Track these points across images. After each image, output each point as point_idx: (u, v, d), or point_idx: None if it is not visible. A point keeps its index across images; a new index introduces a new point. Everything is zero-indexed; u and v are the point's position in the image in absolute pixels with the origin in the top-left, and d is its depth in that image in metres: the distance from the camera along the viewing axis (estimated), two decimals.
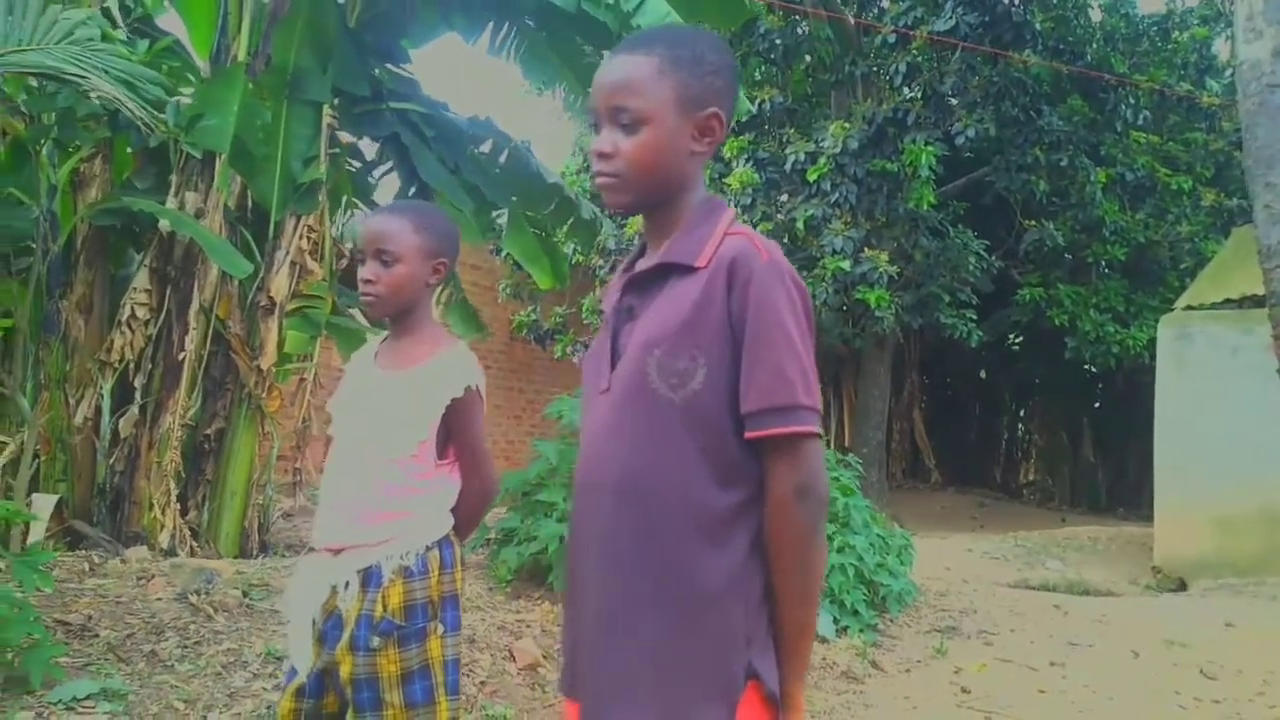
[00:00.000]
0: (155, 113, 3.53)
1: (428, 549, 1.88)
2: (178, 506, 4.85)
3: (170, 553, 4.55)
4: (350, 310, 5.70)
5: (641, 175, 1.39)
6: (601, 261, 9.30)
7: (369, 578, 1.85)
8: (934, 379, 15.75)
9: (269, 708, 2.79)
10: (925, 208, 8.71)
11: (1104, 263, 10.43)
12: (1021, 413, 16.93)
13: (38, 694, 2.56)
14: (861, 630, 4.23)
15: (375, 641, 1.82)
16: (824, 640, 4.10)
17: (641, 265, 1.43)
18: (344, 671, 1.84)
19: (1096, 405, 15.22)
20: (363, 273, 1.93)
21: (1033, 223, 9.95)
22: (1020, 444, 17.01)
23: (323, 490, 1.97)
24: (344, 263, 5.82)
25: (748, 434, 1.29)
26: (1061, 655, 4.20)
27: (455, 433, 1.95)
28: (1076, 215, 9.89)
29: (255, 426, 5.19)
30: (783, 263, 1.34)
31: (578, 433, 4.62)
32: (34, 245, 4.41)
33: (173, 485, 4.81)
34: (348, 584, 1.87)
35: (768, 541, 1.30)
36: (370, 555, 1.86)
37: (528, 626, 3.81)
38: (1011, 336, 13.92)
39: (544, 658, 3.57)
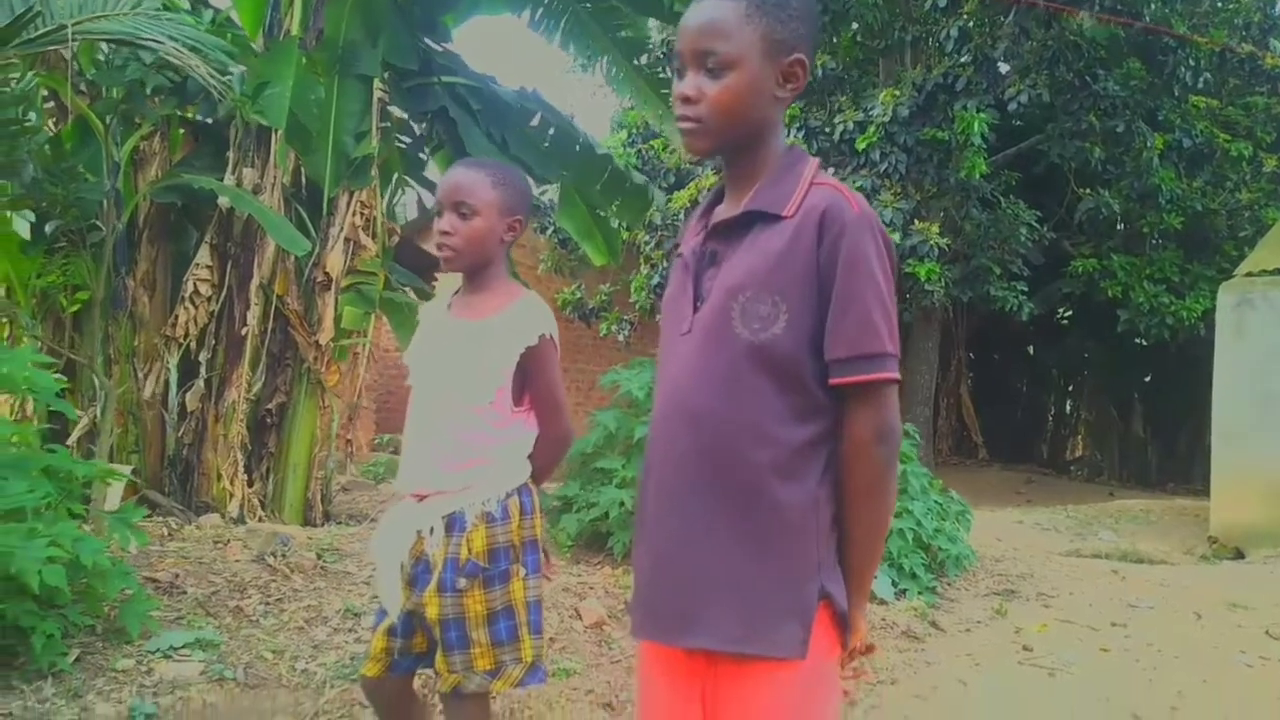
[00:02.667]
0: (223, 80, 3.61)
1: (508, 495, 1.94)
2: (245, 477, 4.98)
3: (239, 521, 4.67)
4: (403, 287, 5.79)
5: (724, 120, 1.42)
6: (648, 237, 9.28)
7: (453, 523, 1.91)
8: (981, 355, 15.60)
9: (352, 658, 2.88)
10: (977, 177, 8.55)
11: (1159, 232, 10.20)
12: (1070, 388, 16.70)
13: (136, 644, 2.67)
14: (920, 593, 4.24)
15: (461, 583, 1.89)
16: (883, 602, 4.11)
17: (725, 212, 1.46)
18: (431, 613, 1.90)
19: (1147, 379, 14.96)
20: (439, 224, 1.97)
21: (1087, 191, 9.74)
22: (1068, 420, 16.80)
23: (405, 439, 2.03)
24: (396, 239, 5.89)
25: (833, 380, 1.35)
26: (1122, 617, 4.16)
27: (531, 380, 1.99)
28: (1132, 183, 9.63)
29: (315, 400, 5.28)
30: (871, 214, 1.37)
31: (634, 402, 4.64)
32: (99, 223, 4.52)
33: (239, 457, 4.93)
34: (433, 529, 1.93)
35: (844, 480, 1.37)
36: (454, 501, 1.92)
37: (591, 589, 3.87)
38: (1061, 311, 13.70)
39: (609, 617, 3.63)
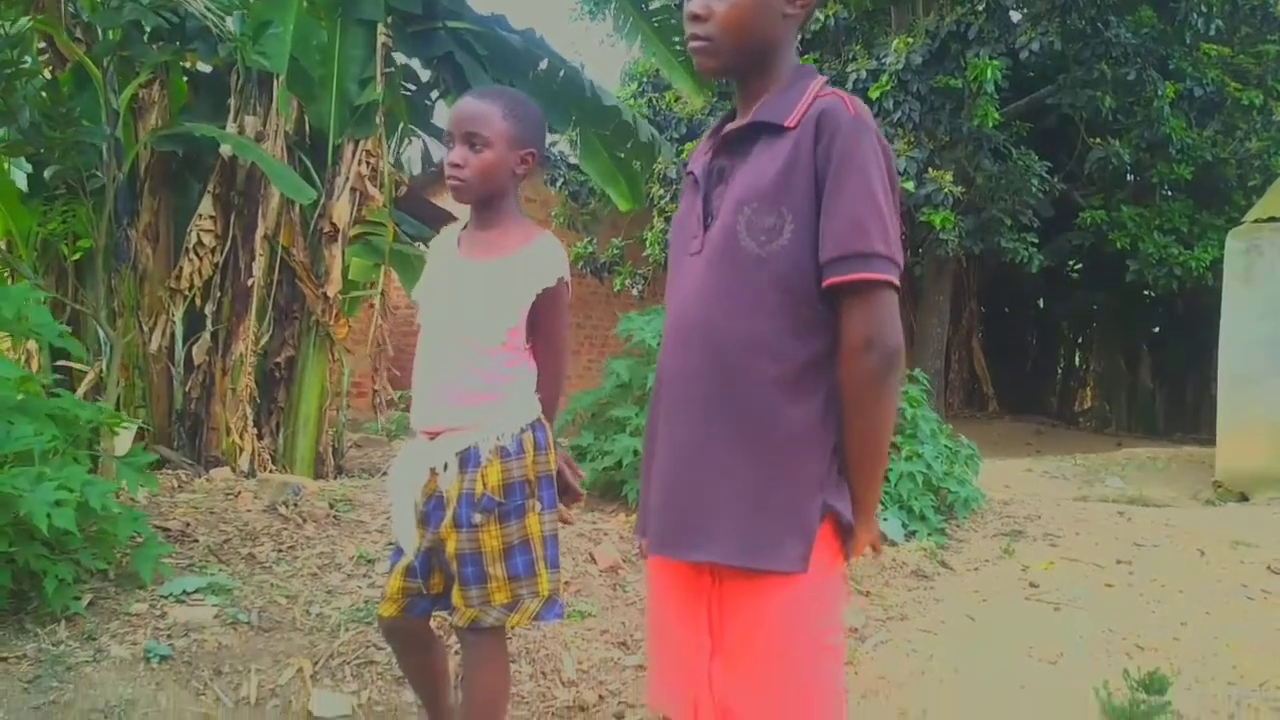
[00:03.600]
0: (221, 21, 3.53)
1: (522, 430, 1.92)
2: (254, 432, 4.96)
3: (250, 475, 4.65)
4: (412, 239, 5.72)
5: (734, 38, 1.42)
6: (661, 190, 9.17)
7: (467, 459, 1.90)
8: (992, 308, 15.59)
9: (366, 602, 2.87)
10: (990, 126, 8.47)
11: (1168, 183, 10.12)
12: (1079, 341, 16.72)
13: (149, 589, 2.66)
14: (930, 534, 4.27)
15: (477, 518, 1.87)
16: (893, 543, 4.14)
17: (731, 127, 1.46)
18: (449, 548, 1.89)
19: (1155, 331, 14.97)
20: (450, 156, 1.92)
21: (1097, 141, 9.65)
22: (1077, 372, 16.84)
23: (416, 376, 2.00)
24: (403, 189, 5.82)
25: (824, 282, 1.34)
26: (1128, 555, 4.20)
27: (542, 322, 1.96)
28: (1142, 133, 9.53)
29: (325, 354, 5.25)
30: (869, 119, 1.36)
31: (647, 350, 4.61)
32: (99, 173, 4.46)
33: (248, 411, 4.91)
34: (446, 466, 1.92)
35: (841, 388, 1.37)
36: (468, 437, 1.90)
37: (605, 534, 3.87)
38: (1071, 263, 13.64)
39: (624, 561, 3.63)
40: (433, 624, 2.13)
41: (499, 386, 1.92)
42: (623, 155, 6.19)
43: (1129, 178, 10.49)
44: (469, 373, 1.91)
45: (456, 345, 1.93)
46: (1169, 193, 10.51)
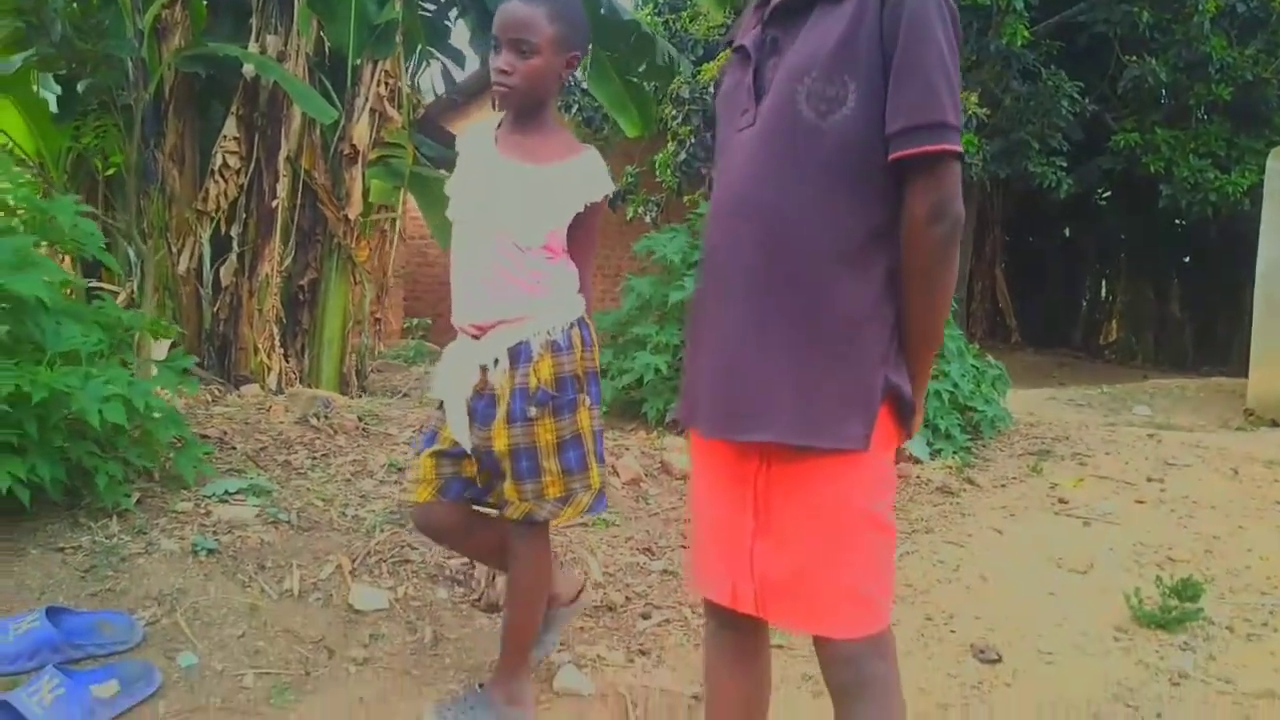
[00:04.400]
0: None
1: (570, 326, 1.95)
2: (281, 351, 5.04)
3: (278, 393, 4.74)
4: (431, 161, 5.70)
5: None
6: (675, 112, 8.98)
7: (518, 354, 1.92)
8: (1016, 237, 15.22)
9: (400, 505, 2.96)
10: (1018, 44, 8.20)
11: (1206, 104, 9.72)
12: (1106, 271, 16.39)
13: (192, 490, 2.75)
14: (955, 453, 4.28)
15: (532, 411, 1.90)
16: (918, 461, 4.15)
17: None
18: (500, 444, 1.92)
19: (1186, 261, 14.62)
20: (497, 62, 1.90)
21: (1133, 59, 9.31)
22: (1103, 303, 16.54)
23: (454, 273, 2.02)
24: (420, 111, 5.78)
25: (892, 155, 1.29)
26: (1159, 473, 4.18)
27: (583, 234, 2.00)
28: (1180, 52, 9.14)
29: (347, 277, 5.29)
30: None
31: (668, 267, 4.61)
32: (126, 93, 4.46)
33: (275, 331, 4.98)
34: (497, 362, 1.94)
35: (904, 260, 1.33)
36: (518, 332, 1.92)
37: (626, 449, 3.93)
38: (1099, 190, 13.31)
39: (645, 475, 3.70)
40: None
41: (540, 281, 1.94)
42: (635, 79, 6.09)
43: (1164, 99, 10.13)
44: (509, 268, 1.93)
45: (493, 242, 1.95)
46: (1206, 114, 10.12)
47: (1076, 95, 9.11)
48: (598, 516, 3.24)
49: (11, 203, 2.39)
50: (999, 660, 2.55)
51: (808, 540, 1.37)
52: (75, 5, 4.10)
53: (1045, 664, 2.55)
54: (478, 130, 2.08)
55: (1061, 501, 3.83)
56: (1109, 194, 13.63)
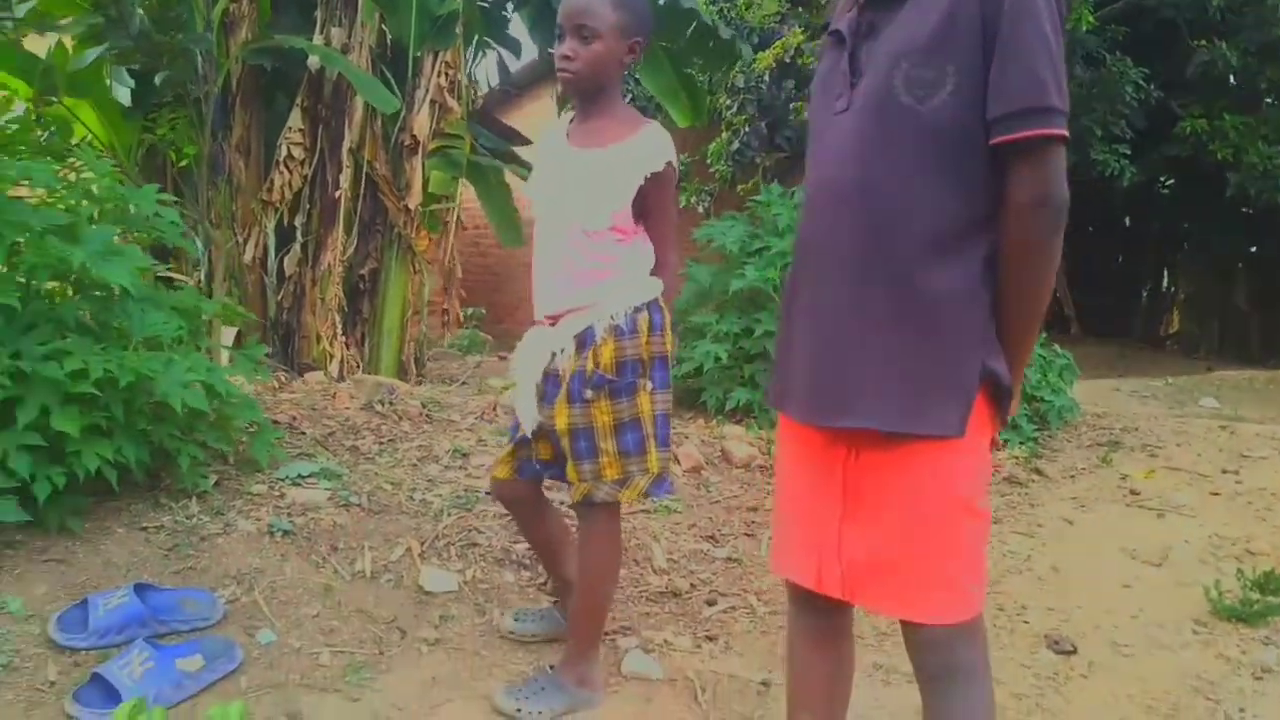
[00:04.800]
0: None
1: (636, 310, 1.97)
2: (343, 340, 5.12)
3: (341, 380, 4.82)
4: (488, 151, 5.74)
5: None
6: (729, 101, 8.93)
7: (584, 339, 1.97)
8: (1076, 227, 14.70)
9: (466, 490, 2.99)
10: (1084, 29, 8.01)
11: (1277, 91, 9.42)
12: (1168, 261, 15.97)
13: (266, 472, 2.81)
14: (1023, 442, 4.21)
15: (588, 393, 1.94)
16: None
17: None
18: (560, 423, 1.97)
19: (1252, 251, 14.18)
20: (560, 48, 1.94)
21: (1202, 43, 9.05)
22: (1165, 294, 16.13)
23: (534, 266, 2.09)
24: (479, 102, 5.82)
25: (995, 139, 1.27)
26: (1233, 465, 4.07)
27: (651, 206, 2.00)
28: (1252, 36, 8.86)
29: (407, 266, 5.36)
30: None
31: (727, 256, 4.57)
32: (193, 86, 4.56)
33: (337, 319, 5.07)
34: (564, 349, 2.00)
35: (1004, 247, 1.32)
36: (585, 319, 1.97)
37: (687, 437, 3.92)
38: (1162, 179, 12.97)
39: (705, 463, 3.69)
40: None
41: (609, 265, 1.97)
42: (690, 70, 6.06)
43: (1232, 85, 9.82)
44: (578, 256, 1.98)
45: (564, 232, 2.00)
46: (1276, 100, 9.85)
47: (1141, 82, 8.88)
48: (660, 501, 3.26)
49: (96, 192, 2.45)
50: (1074, 652, 2.51)
51: (900, 525, 1.37)
52: (150, 2, 4.19)
53: (1122, 656, 2.50)
54: (554, 126, 2.14)
55: (1133, 493, 3.74)
56: (1172, 182, 13.27)
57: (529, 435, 2.09)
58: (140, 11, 3.87)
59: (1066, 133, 1.27)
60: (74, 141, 4.20)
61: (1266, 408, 7.03)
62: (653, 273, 2.04)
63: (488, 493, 3.02)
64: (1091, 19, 8.02)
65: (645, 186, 1.95)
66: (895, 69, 1.31)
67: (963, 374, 1.33)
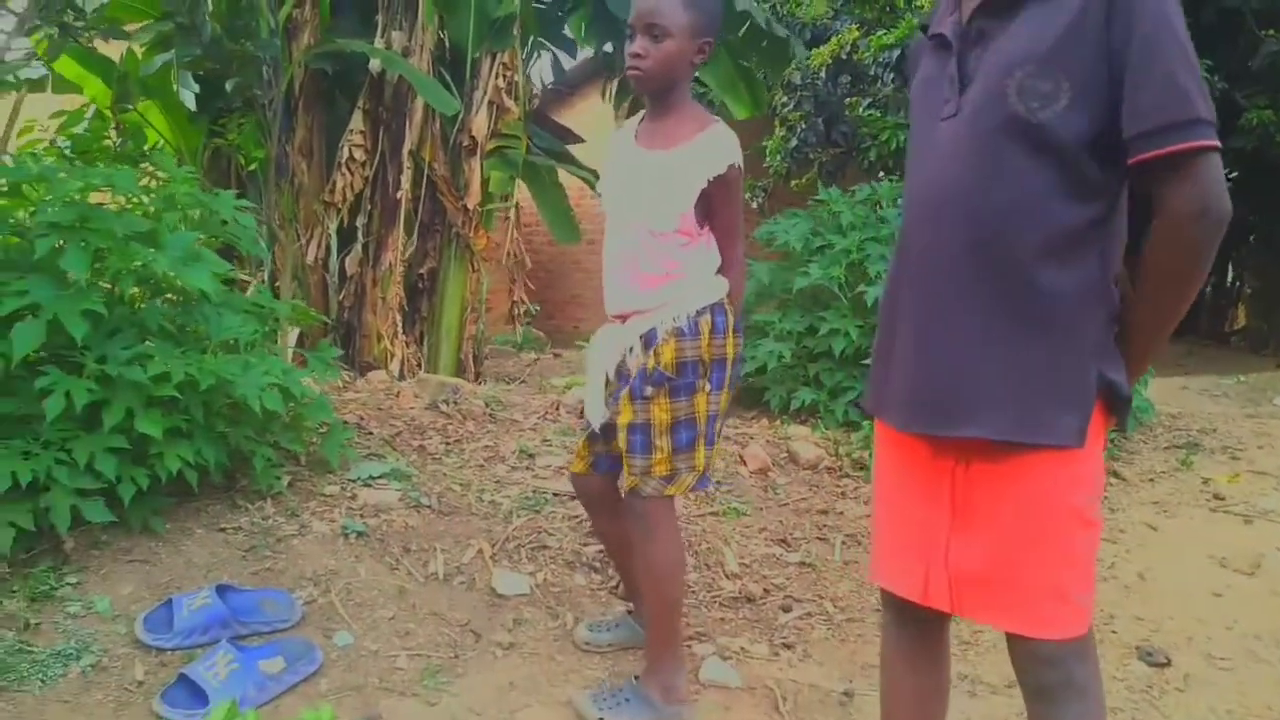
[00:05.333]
0: None
1: (699, 313, 1.98)
2: (403, 339, 5.16)
3: (401, 379, 4.85)
4: (543, 151, 5.74)
5: None
6: (785, 98, 8.85)
7: (649, 339, 1.99)
8: (1138, 221, 14.62)
9: (535, 491, 2.98)
10: None
11: None
12: (1232, 256, 15.59)
13: (338, 473, 2.82)
14: None
15: (649, 390, 1.97)
16: None
17: None
18: (624, 418, 2.00)
19: None
20: (631, 47, 1.95)
21: (1270, 33, 8.78)
22: (1230, 289, 15.74)
23: (605, 266, 2.09)
24: (536, 102, 5.83)
25: (1138, 156, 1.24)
26: None
27: (717, 208, 1.99)
28: None
29: (465, 266, 5.39)
30: None
31: (790, 253, 4.48)
32: (259, 92, 4.62)
33: (397, 319, 5.10)
34: (632, 349, 2.02)
35: (1151, 260, 1.27)
36: (650, 319, 1.99)
37: (752, 438, 3.88)
38: (1227, 172, 12.59)
39: (772, 464, 3.64)
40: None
41: (674, 270, 1.98)
42: (748, 64, 6.03)
43: None
44: (646, 257, 1.99)
45: (633, 232, 2.01)
46: None
47: (1205, 74, 8.63)
48: (729, 505, 3.23)
49: (176, 198, 2.47)
50: (1168, 664, 2.42)
51: (1013, 536, 1.33)
52: (221, 8, 4.25)
53: (1219, 669, 2.41)
54: (625, 126, 2.14)
55: (1217, 498, 3.62)
56: (1236, 175, 12.93)
57: (598, 431, 2.10)
58: (213, 21, 3.91)
59: (1218, 143, 1.23)
60: (147, 147, 4.26)
61: None
62: (718, 272, 2.04)
63: (556, 494, 3.01)
64: None
65: (709, 189, 1.95)
66: (1008, 77, 1.28)
67: (1080, 383, 1.30)
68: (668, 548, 2.07)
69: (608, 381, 2.08)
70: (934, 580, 1.41)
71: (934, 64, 1.42)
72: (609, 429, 2.07)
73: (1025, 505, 1.32)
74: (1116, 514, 3.44)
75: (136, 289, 2.40)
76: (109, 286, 2.28)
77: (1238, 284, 15.75)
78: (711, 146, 1.95)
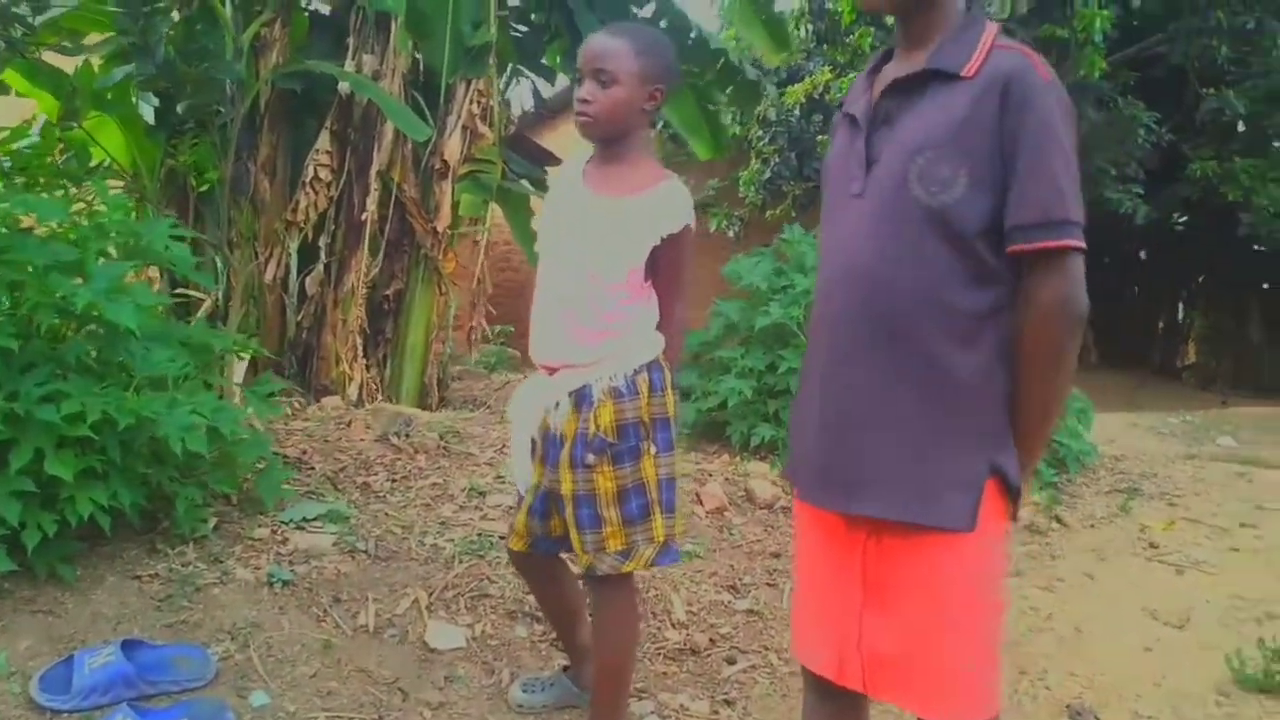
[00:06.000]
0: None
1: (637, 371, 1.90)
2: (363, 362, 5.07)
3: (358, 404, 4.76)
4: (519, 177, 5.69)
5: None
6: (761, 132, 8.98)
7: (581, 399, 1.89)
8: (1093, 259, 14.86)
9: (480, 534, 2.90)
10: (1096, 76, 8.06)
11: None
12: (1183, 294, 16.06)
13: (270, 515, 2.72)
14: (1042, 488, 4.15)
15: (590, 458, 1.86)
16: None
17: (899, 71, 1.40)
18: (565, 488, 1.89)
19: (1265, 286, 14.27)
20: (579, 92, 1.89)
21: (1211, 91, 9.14)
22: (1180, 326, 16.21)
23: (535, 308, 1.99)
24: (512, 128, 5.79)
25: (1016, 247, 1.29)
26: (1251, 518, 4.02)
27: (664, 265, 1.92)
28: (1258, 84, 9.06)
29: (432, 288, 5.31)
30: (1057, 80, 1.34)
31: (755, 292, 4.50)
32: (221, 110, 4.53)
33: (358, 341, 5.01)
34: (558, 404, 1.92)
35: (1022, 350, 1.33)
36: (582, 376, 1.89)
37: (710, 475, 3.83)
38: (1175, 216, 13.05)
39: (729, 504, 3.59)
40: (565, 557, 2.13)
41: (616, 324, 1.90)
42: (714, 106, 6.07)
43: (1241, 129, 9.93)
44: (587, 307, 1.90)
45: (577, 279, 1.91)
46: None
47: (1153, 125, 9.05)
48: (681, 549, 3.16)
49: (105, 224, 2.38)
50: None
51: (917, 618, 1.35)
52: (178, 29, 4.16)
53: None
54: (569, 164, 2.06)
55: (1153, 546, 3.71)
56: (1185, 219, 13.36)
57: (535, 505, 1.99)
58: (166, 43, 3.81)
59: (1084, 244, 1.30)
60: (92, 164, 4.16)
61: None
62: (664, 328, 1.97)
63: (503, 536, 2.93)
64: (1103, 65, 8.19)
65: (660, 247, 1.88)
66: (911, 162, 1.32)
67: (971, 467, 1.33)
68: (625, 626, 1.99)
69: (534, 441, 1.97)
70: (848, 659, 1.41)
71: (845, 141, 1.46)
72: (545, 506, 1.97)
73: (929, 587, 1.34)
74: (1057, 561, 3.52)
75: (58, 320, 2.30)
76: (26, 317, 2.17)
77: (1188, 322, 16.12)
78: (668, 203, 1.89)
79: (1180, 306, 16.18)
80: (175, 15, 4.67)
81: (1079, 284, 1.30)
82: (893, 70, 1.42)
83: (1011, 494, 1.36)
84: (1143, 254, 15.18)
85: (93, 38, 4.64)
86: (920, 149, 1.32)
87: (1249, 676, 2.62)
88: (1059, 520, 3.92)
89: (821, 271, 1.47)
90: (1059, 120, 1.29)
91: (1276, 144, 9.88)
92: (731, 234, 10.18)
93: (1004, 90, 1.29)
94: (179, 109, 4.43)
